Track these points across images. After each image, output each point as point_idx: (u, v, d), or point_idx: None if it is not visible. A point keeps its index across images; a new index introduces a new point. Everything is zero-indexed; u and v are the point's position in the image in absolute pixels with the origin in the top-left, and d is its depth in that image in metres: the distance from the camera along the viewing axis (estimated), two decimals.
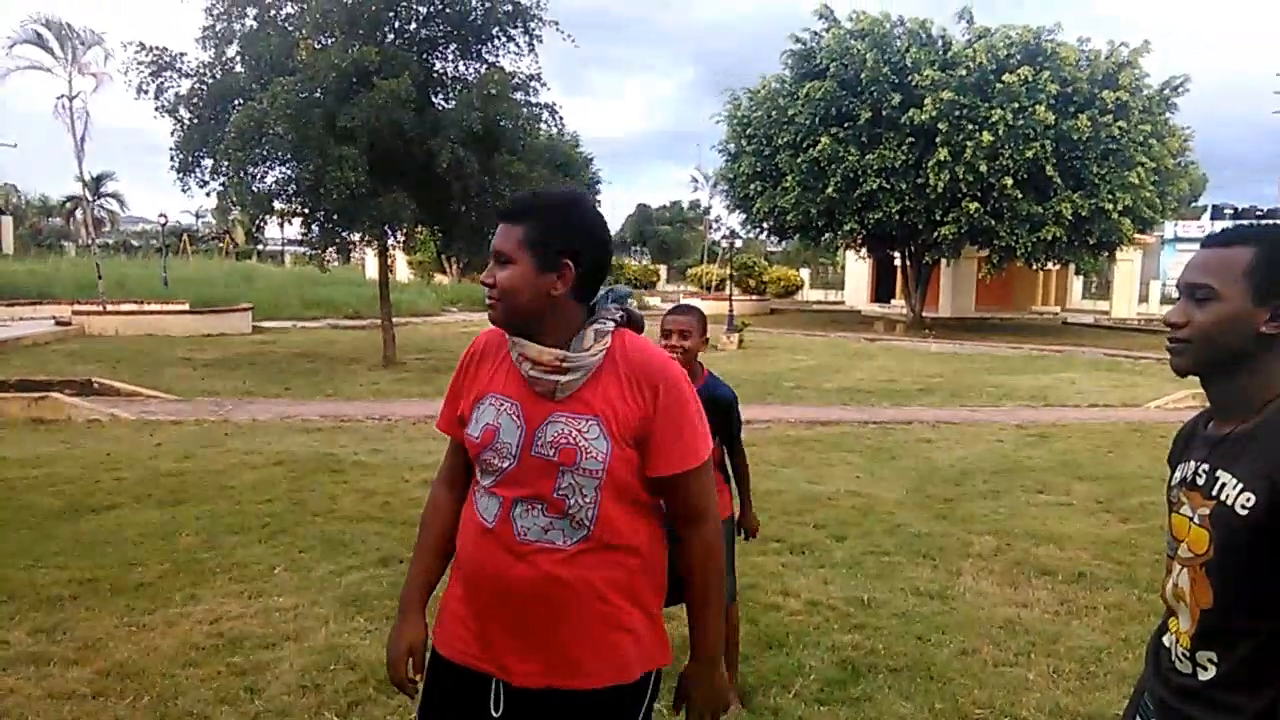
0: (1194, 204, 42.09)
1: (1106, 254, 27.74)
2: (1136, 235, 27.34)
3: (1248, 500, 1.52)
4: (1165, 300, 39.06)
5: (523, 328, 1.77)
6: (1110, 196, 24.04)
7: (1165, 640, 1.71)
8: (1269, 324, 1.56)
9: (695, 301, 35.83)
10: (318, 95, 13.22)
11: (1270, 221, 1.77)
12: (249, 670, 3.84)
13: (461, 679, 1.84)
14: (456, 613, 1.87)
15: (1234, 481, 1.56)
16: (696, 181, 52.23)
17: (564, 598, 1.77)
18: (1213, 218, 43.05)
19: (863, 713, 3.62)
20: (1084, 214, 24.18)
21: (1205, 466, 1.64)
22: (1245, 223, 1.72)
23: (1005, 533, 6.17)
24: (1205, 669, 1.60)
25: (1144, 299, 38.43)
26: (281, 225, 17.69)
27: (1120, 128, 23.73)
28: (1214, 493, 1.59)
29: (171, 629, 4.25)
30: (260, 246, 54.01)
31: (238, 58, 14.10)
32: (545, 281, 1.74)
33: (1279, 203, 44.80)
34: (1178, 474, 1.73)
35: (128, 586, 4.77)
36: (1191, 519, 1.64)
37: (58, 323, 19.58)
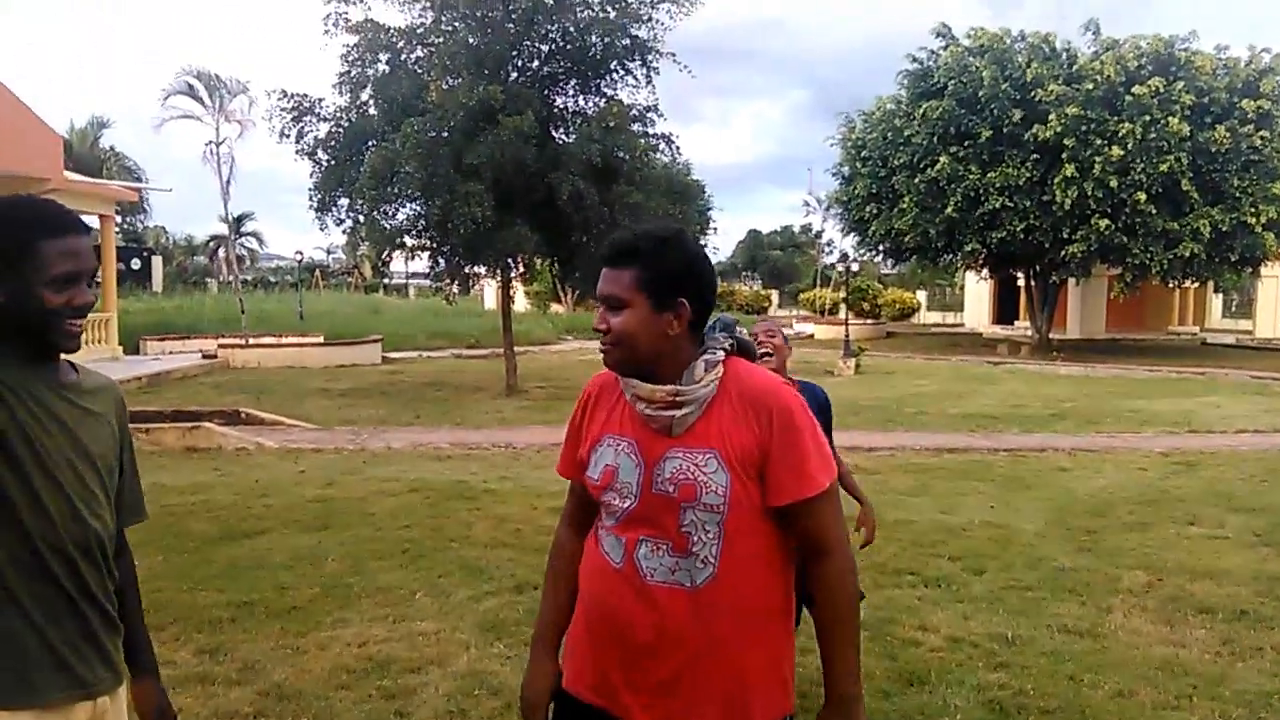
0: None
1: (1250, 270, 26.24)
2: None
3: None
4: None
5: (639, 369, 1.77)
6: (1253, 210, 22.80)
7: None
8: None
9: (810, 326, 35.55)
10: (445, 134, 13.73)
11: None
12: (398, 694, 3.97)
13: (588, 717, 1.84)
14: (581, 650, 1.87)
15: None
16: (808, 205, 51.80)
17: (690, 643, 1.73)
18: None
19: None
20: (1224, 229, 22.96)
21: None
22: None
23: (1156, 567, 5.87)
24: None
25: None
26: (407, 260, 18.37)
27: (1263, 138, 22.52)
28: None
29: (323, 651, 4.44)
30: (386, 280, 56.25)
31: (371, 101, 14.78)
32: (663, 322, 1.74)
33: None
34: None
35: (281, 609, 5.00)
36: None
37: (204, 356, 20.75)
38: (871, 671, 4.18)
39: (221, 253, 53.61)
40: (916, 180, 25.60)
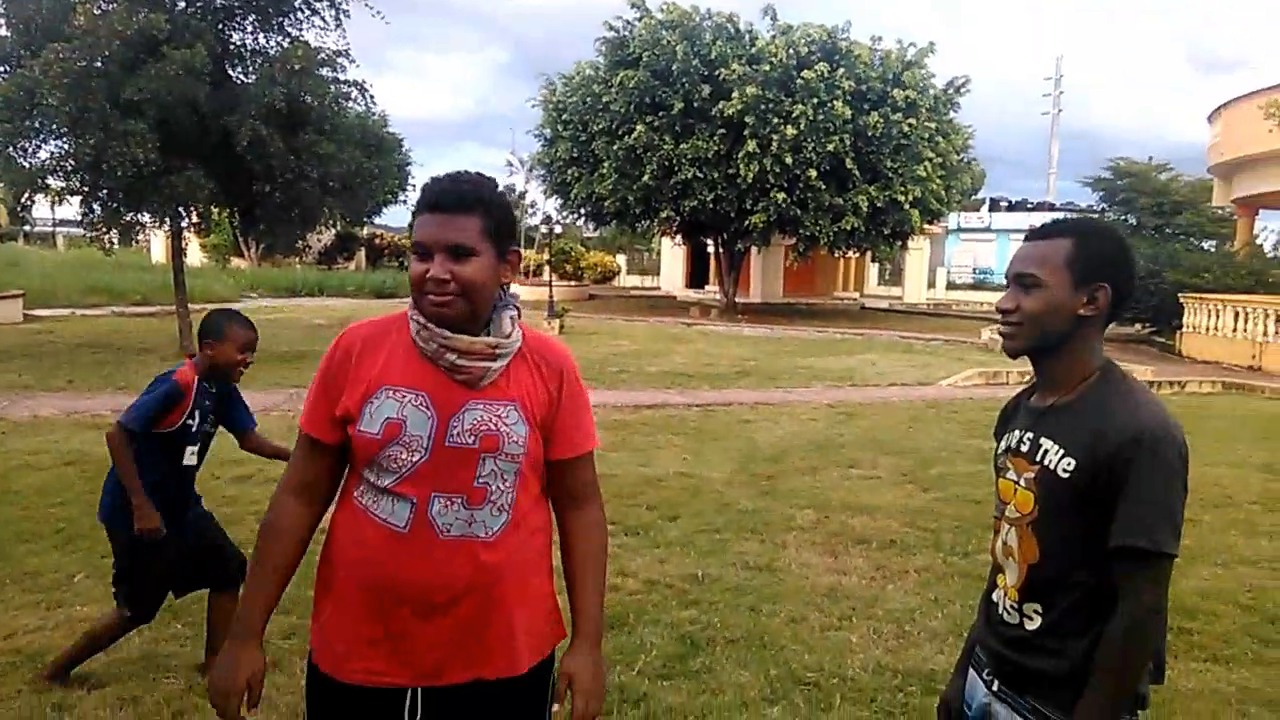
0: (974, 196, 45.62)
1: (899, 243, 29.58)
2: (925, 226, 29.32)
3: (1069, 464, 1.69)
4: (950, 286, 42.25)
5: (465, 321, 1.73)
6: (902, 189, 25.61)
7: (995, 596, 1.87)
8: (1086, 307, 1.74)
9: (515, 287, 35.50)
10: (99, 65, 12.11)
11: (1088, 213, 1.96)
12: (56, 686, 3.53)
13: (365, 700, 1.75)
14: (353, 632, 1.75)
15: (1056, 448, 1.73)
16: (511, 166, 51.69)
17: (492, 588, 1.76)
18: (990, 209, 46.85)
19: (704, 684, 3.75)
20: (879, 205, 25.64)
21: (1030, 435, 1.80)
22: (1062, 216, 1.91)
23: (823, 506, 6.52)
24: (1031, 619, 1.76)
25: (932, 285, 41.39)
26: (53, 205, 16.10)
27: (910, 124, 25.28)
28: (1038, 458, 1.75)
29: None
30: (27, 228, 49.06)
31: (1, 21, 12.72)
32: (502, 271, 1.81)
33: (1047, 196, 49.39)
34: (1003, 443, 1.89)
35: None
36: (1017, 483, 1.80)
37: None
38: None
39: None
40: (615, 147, 26.29)
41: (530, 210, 51.06)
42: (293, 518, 1.81)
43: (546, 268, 29.84)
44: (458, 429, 1.72)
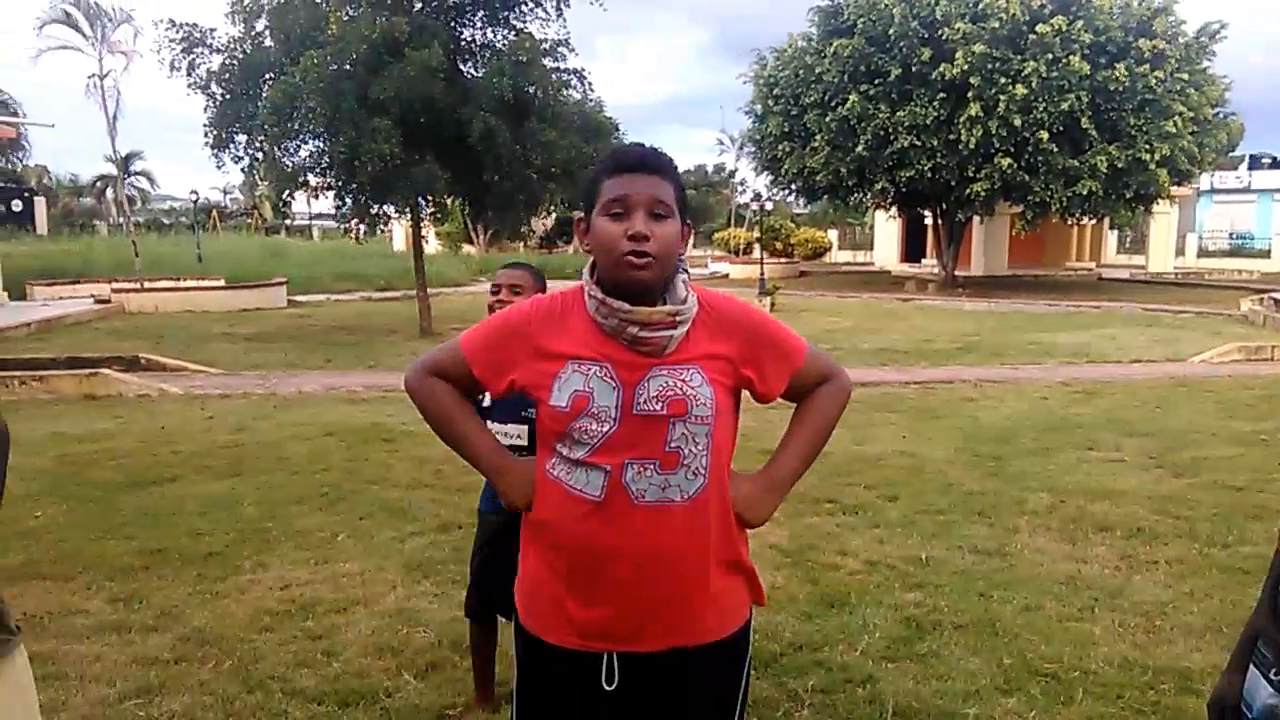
0: (1231, 154, 41.10)
1: (1143, 207, 27.22)
2: (1174, 188, 26.79)
3: None
4: (1202, 253, 38.39)
5: (651, 289, 1.72)
6: (1147, 147, 23.57)
7: None
8: None
9: (725, 266, 35.82)
10: (349, 68, 13.24)
11: None
12: (324, 634, 3.93)
13: (566, 661, 1.79)
14: (554, 597, 1.79)
15: None
16: (722, 144, 51.77)
17: (690, 553, 1.75)
18: (1250, 168, 42.10)
19: (931, 669, 3.64)
20: (1120, 166, 23.73)
21: None
22: None
23: (1059, 489, 6.15)
24: None
25: (1180, 252, 37.75)
26: (310, 200, 17.79)
27: (1157, 77, 23.20)
28: None
29: (244, 596, 4.35)
30: (288, 221, 54.31)
31: (267, 32, 14.13)
32: (682, 237, 1.76)
33: None
34: None
35: (197, 555, 4.88)
36: None
37: (97, 301, 19.85)
38: (794, 595, 4.29)
39: (110, 193, 51.00)
40: (828, 119, 25.74)
41: (740, 188, 50.96)
42: (445, 386, 1.85)
43: (757, 245, 29.71)
44: (644, 396, 1.70)
